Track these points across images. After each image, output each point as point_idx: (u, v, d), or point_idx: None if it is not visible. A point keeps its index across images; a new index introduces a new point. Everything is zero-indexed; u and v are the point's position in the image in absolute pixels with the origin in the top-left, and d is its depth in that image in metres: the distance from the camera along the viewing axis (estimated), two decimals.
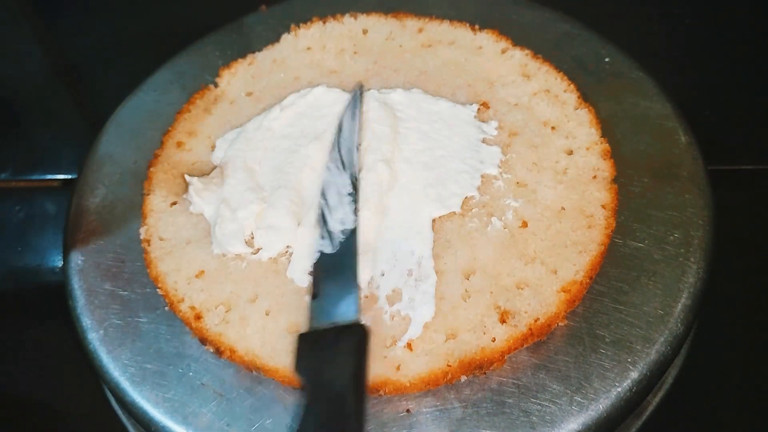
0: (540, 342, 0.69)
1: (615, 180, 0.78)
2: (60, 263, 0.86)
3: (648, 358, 0.67)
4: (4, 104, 1.27)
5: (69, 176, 1.12)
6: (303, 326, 0.71)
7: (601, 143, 0.81)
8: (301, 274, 0.74)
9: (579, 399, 0.65)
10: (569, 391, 0.66)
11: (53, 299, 0.98)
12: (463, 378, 0.67)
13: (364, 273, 0.73)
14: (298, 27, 0.98)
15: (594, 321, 0.70)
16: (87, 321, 0.76)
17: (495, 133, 0.83)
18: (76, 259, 0.81)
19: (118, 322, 0.76)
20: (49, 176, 1.13)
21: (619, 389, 0.66)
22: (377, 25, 0.98)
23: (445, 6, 0.98)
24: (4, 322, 0.98)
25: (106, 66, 1.30)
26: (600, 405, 0.65)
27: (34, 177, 1.13)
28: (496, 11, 0.98)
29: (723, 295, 0.82)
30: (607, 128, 0.83)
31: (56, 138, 1.21)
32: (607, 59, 0.92)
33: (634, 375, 0.66)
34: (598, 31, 0.95)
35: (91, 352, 0.75)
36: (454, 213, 0.76)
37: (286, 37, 0.98)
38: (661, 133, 0.83)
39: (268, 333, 0.71)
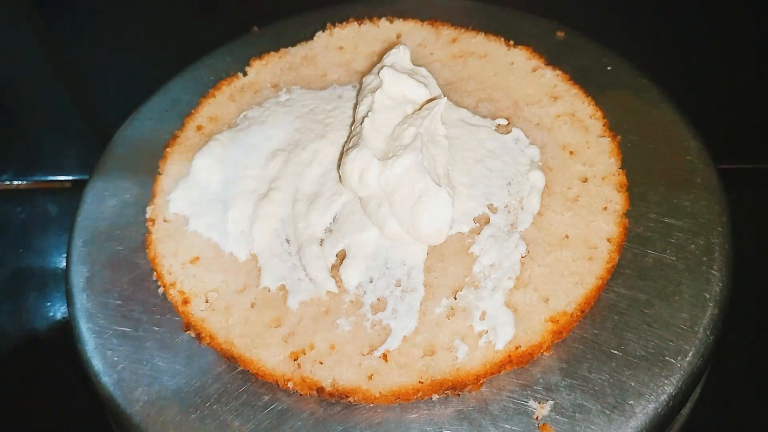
0: (571, 360, 0.67)
1: (630, 194, 0.76)
2: (61, 264, 0.86)
3: (682, 370, 0.66)
4: (4, 105, 1.28)
5: (70, 177, 1.14)
6: (285, 323, 0.71)
7: (619, 175, 0.77)
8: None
9: (617, 417, 0.63)
10: (606, 410, 0.64)
11: (54, 300, 1.00)
12: (435, 397, 0.65)
13: (353, 277, 0.72)
14: (333, 26, 0.98)
15: (624, 336, 0.68)
16: (98, 365, 0.73)
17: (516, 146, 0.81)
18: (82, 299, 0.78)
19: (133, 365, 0.72)
20: (51, 177, 1.14)
21: (656, 404, 0.64)
22: (412, 31, 0.97)
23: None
24: (4, 324, 0.99)
25: (107, 67, 1.31)
26: (638, 422, 0.63)
27: (36, 178, 1.14)
28: (494, 21, 0.96)
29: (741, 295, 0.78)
30: (617, 137, 0.82)
31: (58, 139, 1.22)
32: (609, 67, 0.90)
33: (670, 389, 0.65)
34: (596, 39, 0.95)
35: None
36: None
37: (320, 35, 0.98)
38: (670, 140, 0.83)
39: (249, 325, 0.71)
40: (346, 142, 0.80)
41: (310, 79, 0.94)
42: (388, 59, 0.82)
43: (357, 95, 0.85)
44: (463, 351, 0.66)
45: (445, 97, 0.78)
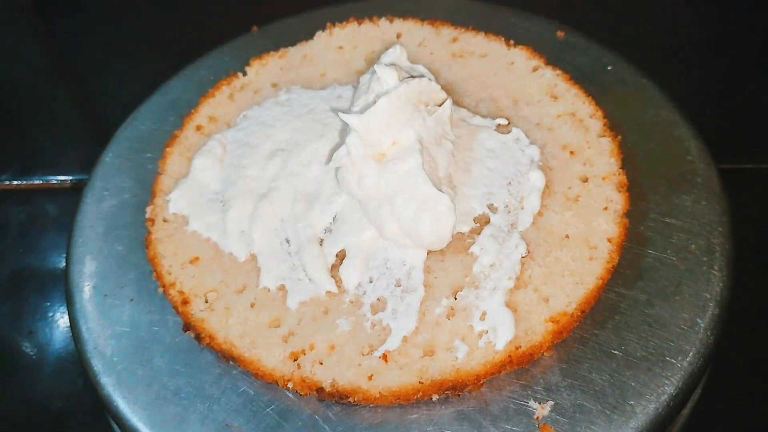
0: (571, 360, 0.67)
1: (630, 194, 0.76)
2: (61, 264, 0.85)
3: (682, 371, 0.66)
4: (4, 105, 1.28)
5: (70, 177, 1.13)
6: (285, 323, 0.71)
7: (619, 174, 0.77)
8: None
9: (617, 417, 0.63)
10: (607, 410, 0.64)
11: (54, 300, 1.00)
12: (435, 397, 0.65)
13: (352, 277, 0.72)
14: (333, 26, 0.98)
15: (624, 336, 0.68)
16: (98, 365, 0.73)
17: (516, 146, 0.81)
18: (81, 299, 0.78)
19: (133, 365, 0.72)
20: (50, 178, 1.14)
21: (656, 404, 0.64)
22: (412, 30, 0.97)
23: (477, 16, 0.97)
24: (4, 324, 0.99)
25: (107, 67, 1.31)
26: (639, 422, 0.63)
27: (35, 178, 1.14)
28: (494, 21, 0.96)
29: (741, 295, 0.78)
30: (617, 137, 0.82)
31: (57, 139, 1.21)
32: (609, 67, 0.91)
33: (670, 389, 0.65)
34: (596, 39, 0.95)
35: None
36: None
37: (319, 35, 0.98)
38: (671, 140, 0.83)
39: (249, 325, 0.71)
40: (340, 143, 0.80)
41: (310, 79, 0.94)
42: (385, 59, 0.82)
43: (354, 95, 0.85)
44: (463, 351, 0.66)
45: (450, 98, 0.78)
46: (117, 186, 0.87)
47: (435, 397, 0.65)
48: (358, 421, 0.66)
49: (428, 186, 0.69)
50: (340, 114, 0.74)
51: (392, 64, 0.79)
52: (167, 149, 0.88)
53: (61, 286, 0.82)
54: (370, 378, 0.66)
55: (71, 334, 0.76)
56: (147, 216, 0.82)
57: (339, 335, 0.69)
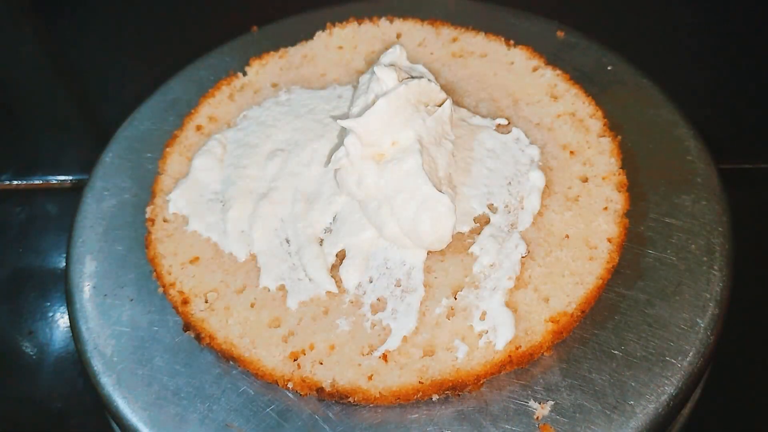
0: (571, 360, 0.67)
1: (630, 194, 0.76)
2: (61, 264, 0.85)
3: (682, 371, 0.66)
4: (4, 105, 1.28)
5: (70, 177, 1.14)
6: (285, 323, 0.71)
7: (619, 174, 0.77)
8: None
9: (617, 417, 0.63)
10: (607, 410, 0.64)
11: (54, 300, 1.00)
12: (435, 397, 0.65)
13: (352, 277, 0.72)
14: (333, 26, 0.98)
15: (624, 336, 0.68)
16: (98, 365, 0.73)
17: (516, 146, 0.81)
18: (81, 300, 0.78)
19: (133, 365, 0.72)
20: (50, 178, 1.14)
21: (656, 404, 0.64)
22: (412, 30, 0.97)
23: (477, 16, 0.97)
24: (4, 324, 0.99)
25: (107, 67, 1.31)
26: (639, 422, 0.63)
27: (35, 178, 1.14)
28: (494, 22, 0.96)
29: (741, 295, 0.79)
30: (617, 137, 0.82)
31: (58, 139, 1.22)
32: (609, 67, 0.91)
33: (670, 389, 0.65)
34: (596, 39, 0.95)
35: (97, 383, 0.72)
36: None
37: (319, 35, 0.98)
38: (671, 140, 0.83)
39: (249, 325, 0.71)
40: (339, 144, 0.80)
41: (310, 79, 0.94)
42: (384, 59, 0.82)
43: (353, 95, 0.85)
44: (463, 351, 0.66)
45: (450, 98, 0.78)
46: (117, 186, 0.87)
47: (435, 397, 0.65)
48: (358, 421, 0.66)
49: (428, 186, 0.69)
50: (338, 120, 0.74)
51: (392, 65, 0.79)
52: (167, 149, 0.88)
53: (61, 286, 0.82)
54: (370, 378, 0.66)
55: (71, 334, 0.77)
56: (147, 216, 0.82)
57: (339, 335, 0.69)
